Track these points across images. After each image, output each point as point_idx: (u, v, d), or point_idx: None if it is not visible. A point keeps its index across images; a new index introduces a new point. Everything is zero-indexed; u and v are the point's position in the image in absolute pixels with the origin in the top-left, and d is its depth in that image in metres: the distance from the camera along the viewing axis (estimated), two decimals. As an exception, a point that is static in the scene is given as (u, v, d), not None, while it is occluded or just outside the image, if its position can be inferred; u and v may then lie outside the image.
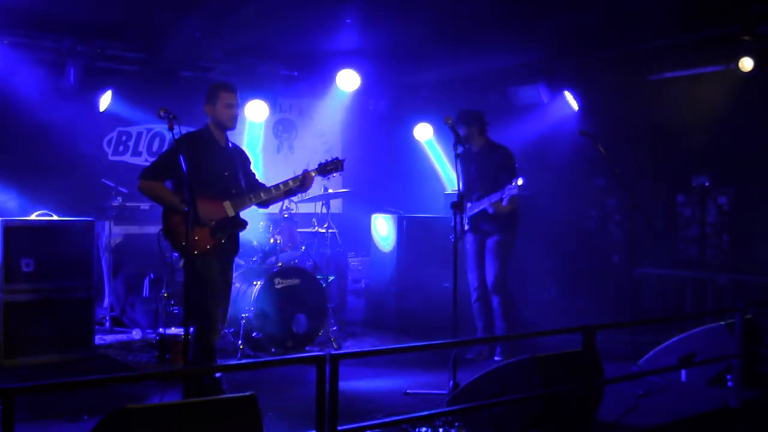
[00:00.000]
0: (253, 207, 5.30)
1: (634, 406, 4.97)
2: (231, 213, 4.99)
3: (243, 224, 5.10)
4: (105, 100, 7.71)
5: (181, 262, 5.03)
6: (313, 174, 5.26)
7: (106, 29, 7.57)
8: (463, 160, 6.77)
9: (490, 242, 6.57)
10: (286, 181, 5.20)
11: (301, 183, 5.19)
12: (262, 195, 5.13)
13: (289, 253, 7.10)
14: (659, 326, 7.42)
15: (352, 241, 9.18)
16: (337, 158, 5.46)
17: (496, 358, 6.54)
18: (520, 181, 5.99)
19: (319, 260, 7.73)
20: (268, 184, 5.28)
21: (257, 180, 5.38)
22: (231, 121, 5.11)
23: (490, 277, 6.57)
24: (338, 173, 5.48)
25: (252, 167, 5.41)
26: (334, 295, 7.93)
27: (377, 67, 8.73)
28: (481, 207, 6.46)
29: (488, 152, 6.62)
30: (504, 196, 6.17)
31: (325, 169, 5.38)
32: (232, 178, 5.08)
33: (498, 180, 6.41)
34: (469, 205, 6.66)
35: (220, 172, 5.02)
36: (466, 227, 6.68)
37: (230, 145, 5.23)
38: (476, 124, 6.60)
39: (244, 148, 5.48)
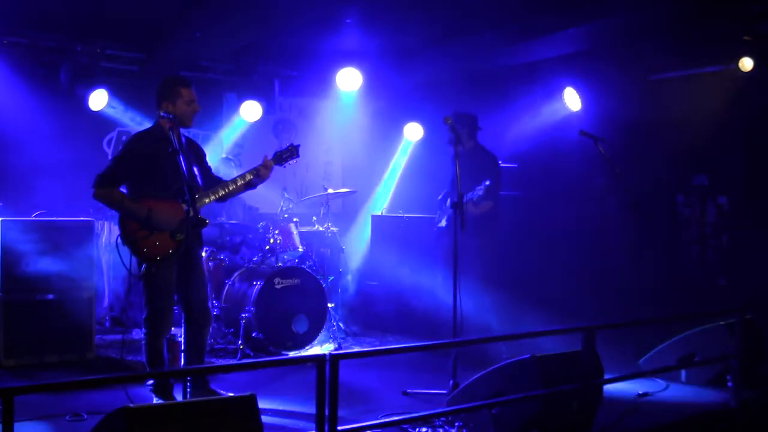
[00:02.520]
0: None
1: (634, 406, 4.97)
2: (190, 213, 4.82)
3: (203, 223, 4.91)
4: (96, 100, 7.63)
5: (142, 269, 4.85)
6: (271, 163, 5.09)
7: (106, 29, 7.57)
8: (452, 161, 6.84)
9: (472, 244, 6.45)
10: (243, 173, 5.06)
11: (259, 173, 5.03)
12: (220, 191, 4.98)
13: (289, 253, 7.09)
14: (659, 326, 7.43)
15: (352, 241, 9.18)
16: (291, 144, 5.27)
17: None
18: (487, 182, 5.98)
19: (319, 260, 7.73)
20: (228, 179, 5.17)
21: (214, 174, 5.25)
22: (191, 118, 4.95)
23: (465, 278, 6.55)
24: (295, 160, 5.27)
25: (207, 160, 5.27)
26: (334, 295, 7.93)
27: (377, 67, 8.73)
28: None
29: (474, 156, 6.65)
30: (472, 198, 6.19)
31: (281, 157, 5.19)
32: (189, 176, 4.84)
33: (478, 183, 6.45)
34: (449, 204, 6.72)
35: (177, 172, 4.78)
36: (445, 225, 6.74)
37: (183, 140, 5.04)
38: (467, 126, 6.63)
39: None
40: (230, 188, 5.01)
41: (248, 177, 5.03)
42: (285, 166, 5.34)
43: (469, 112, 6.67)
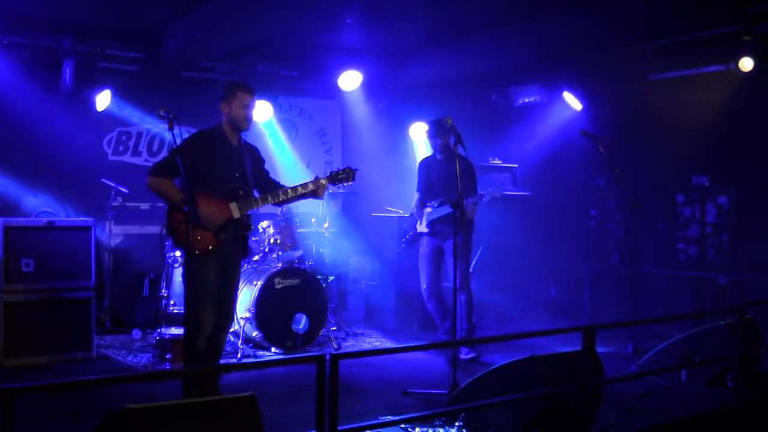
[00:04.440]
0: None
1: (634, 406, 4.97)
2: (236, 215, 4.90)
3: (248, 227, 5.02)
4: (102, 100, 7.68)
5: (180, 261, 4.94)
6: (324, 182, 5.15)
7: (106, 29, 7.57)
8: (426, 167, 6.95)
9: (450, 244, 6.56)
10: (295, 187, 5.11)
11: (313, 191, 5.11)
12: (270, 199, 5.04)
13: (289, 253, 7.09)
14: (659, 326, 7.43)
15: (352, 241, 9.18)
16: (349, 167, 5.31)
17: (462, 357, 6.47)
18: (486, 198, 6.05)
19: (319, 260, 7.73)
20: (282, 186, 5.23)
21: (270, 179, 5.28)
22: (245, 123, 5.04)
23: (456, 276, 6.56)
24: (349, 183, 5.32)
25: (265, 166, 5.32)
26: (334, 295, 7.93)
27: (377, 67, 8.73)
28: (445, 212, 6.54)
29: (452, 161, 6.62)
30: (468, 203, 6.30)
31: (336, 177, 5.24)
32: (242, 179, 4.99)
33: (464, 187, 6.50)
34: (429, 209, 6.77)
35: (230, 173, 4.94)
36: (426, 230, 6.79)
37: (242, 143, 5.15)
38: (442, 133, 6.66)
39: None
40: (280, 198, 5.08)
41: (300, 191, 5.11)
42: (338, 187, 5.42)
43: (440, 118, 6.70)
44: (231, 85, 5.13)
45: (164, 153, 8.29)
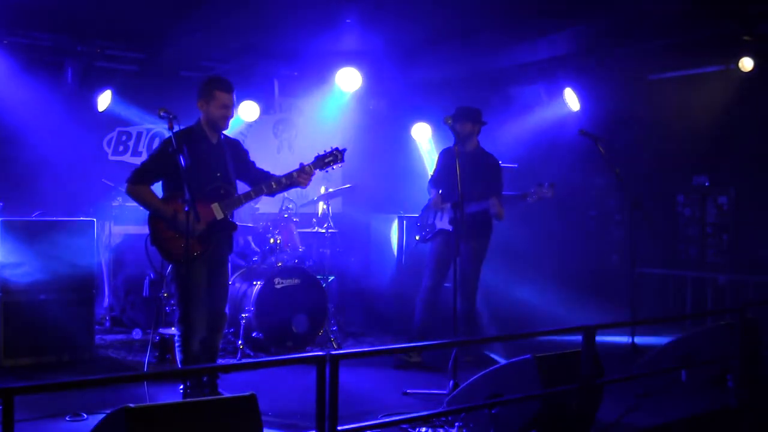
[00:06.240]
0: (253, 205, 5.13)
1: (634, 406, 4.97)
2: (220, 215, 4.79)
3: (232, 226, 4.90)
4: (104, 100, 7.70)
5: (169, 268, 4.87)
6: (309, 169, 4.95)
7: (106, 29, 7.56)
8: (452, 158, 6.65)
9: (469, 247, 6.26)
10: (279, 178, 4.94)
11: (298, 179, 4.91)
12: (252, 194, 4.90)
13: (289, 253, 7.09)
14: (659, 326, 7.43)
15: (352, 241, 9.18)
16: (336, 149, 5.06)
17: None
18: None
19: (319, 260, 7.72)
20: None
21: (258, 170, 5.11)
22: (224, 122, 4.88)
23: (467, 282, 6.31)
24: (339, 164, 5.07)
25: (250, 157, 5.16)
26: (334, 295, 7.92)
27: (377, 67, 8.72)
28: (482, 207, 6.30)
29: (481, 156, 6.50)
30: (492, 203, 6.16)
31: (323, 161, 5.03)
32: (224, 178, 4.87)
33: (489, 186, 6.35)
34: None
35: (212, 173, 4.82)
36: (449, 228, 6.36)
37: (222, 139, 4.99)
38: (477, 123, 6.55)
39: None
40: (264, 191, 4.92)
41: (284, 181, 4.93)
42: (328, 171, 5.16)
43: (473, 106, 6.54)
44: (208, 82, 4.92)
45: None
